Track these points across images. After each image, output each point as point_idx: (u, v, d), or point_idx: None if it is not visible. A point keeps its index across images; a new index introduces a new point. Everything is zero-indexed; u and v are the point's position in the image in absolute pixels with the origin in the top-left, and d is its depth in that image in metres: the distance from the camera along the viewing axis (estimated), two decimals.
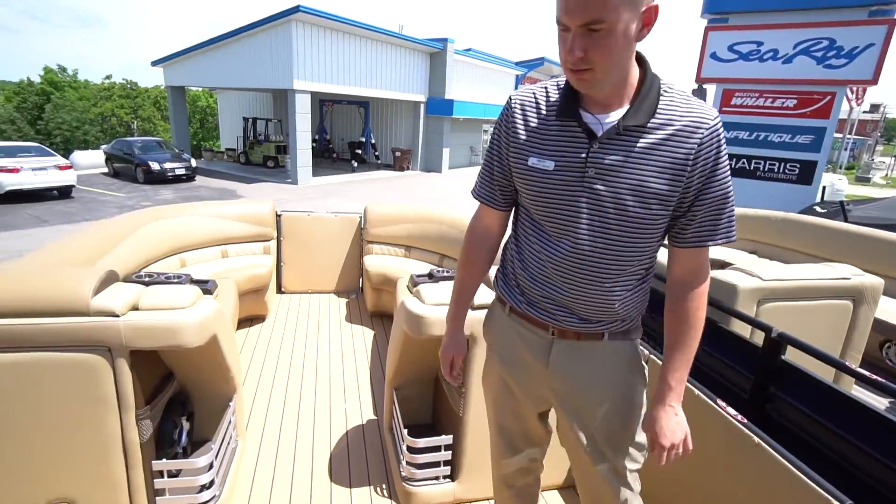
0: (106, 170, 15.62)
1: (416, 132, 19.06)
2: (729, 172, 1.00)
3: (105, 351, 1.46)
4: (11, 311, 1.39)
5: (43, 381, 1.44)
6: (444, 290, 1.80)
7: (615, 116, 0.98)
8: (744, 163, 8.13)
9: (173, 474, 1.74)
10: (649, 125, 0.96)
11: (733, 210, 1.04)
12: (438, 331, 1.68)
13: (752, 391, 1.79)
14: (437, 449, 1.89)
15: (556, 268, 1.09)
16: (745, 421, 1.33)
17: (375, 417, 2.53)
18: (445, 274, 2.95)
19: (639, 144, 0.97)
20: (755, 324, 1.88)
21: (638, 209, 0.99)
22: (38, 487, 1.55)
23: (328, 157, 19.98)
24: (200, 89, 31.51)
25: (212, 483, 1.77)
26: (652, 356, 1.57)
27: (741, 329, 2.08)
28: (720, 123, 0.98)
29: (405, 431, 1.90)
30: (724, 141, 0.99)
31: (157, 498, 1.69)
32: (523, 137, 1.09)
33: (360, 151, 18.43)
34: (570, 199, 1.03)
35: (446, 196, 12.97)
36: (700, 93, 8.16)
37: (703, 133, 0.95)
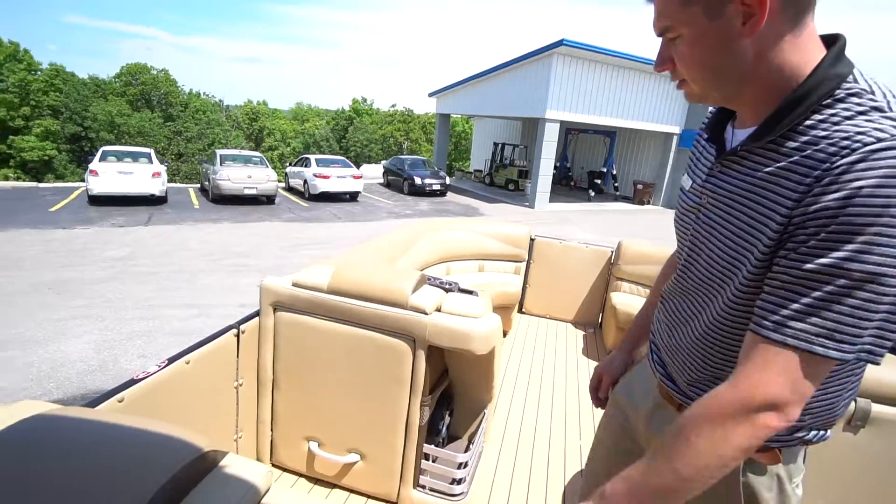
0: (381, 181, 18.98)
1: (663, 165, 17.74)
2: (871, 246, 0.56)
3: (411, 341, 1.73)
4: (358, 295, 1.76)
5: (367, 354, 1.78)
6: None
7: (744, 132, 0.75)
8: None
9: (434, 459, 1.96)
10: (776, 147, 0.68)
11: (853, 305, 0.58)
12: None
13: None
14: None
15: (660, 307, 0.96)
16: None
17: None
18: None
19: (753, 171, 0.71)
20: None
21: (722, 256, 0.75)
22: (343, 436, 1.92)
23: (566, 184, 20.21)
24: (459, 115, 35.76)
25: (462, 480, 1.92)
26: None
27: None
28: (884, 159, 0.56)
29: None
30: (878, 188, 0.56)
31: (420, 476, 1.92)
32: (690, 156, 0.94)
33: (598, 181, 18.10)
34: (684, 227, 0.88)
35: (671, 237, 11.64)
36: None
37: (828, 166, 0.60)
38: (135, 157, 11.84)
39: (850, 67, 0.66)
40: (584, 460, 2.37)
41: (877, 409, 1.37)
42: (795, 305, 0.62)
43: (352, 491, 1.99)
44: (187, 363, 1.52)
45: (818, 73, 0.65)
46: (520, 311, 4.19)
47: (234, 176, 11.94)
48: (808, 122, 0.65)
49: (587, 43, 13.88)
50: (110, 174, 10.71)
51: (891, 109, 0.61)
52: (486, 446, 2.34)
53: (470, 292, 2.72)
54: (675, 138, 17.26)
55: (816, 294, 0.60)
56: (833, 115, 0.64)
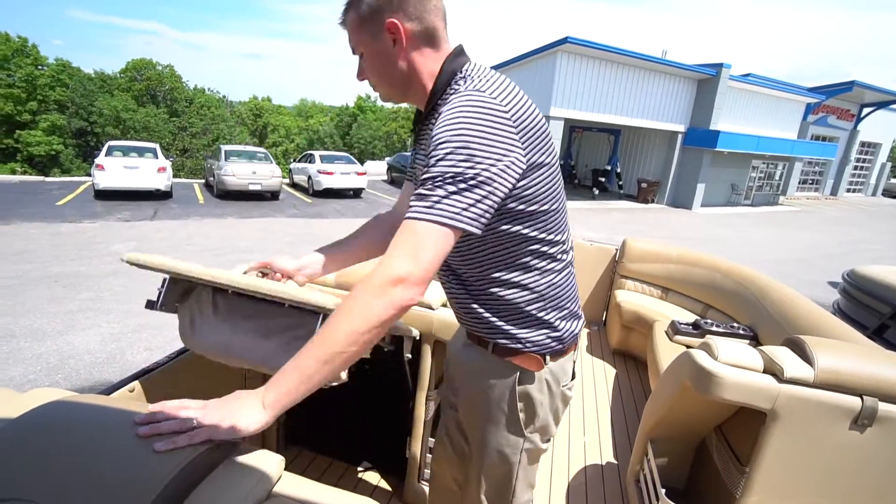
0: (385, 177, 18.99)
1: (668, 164, 17.69)
2: (444, 152, 0.82)
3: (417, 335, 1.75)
4: None
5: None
6: (740, 350, 1.59)
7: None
8: None
9: None
10: (431, 119, 0.99)
11: (438, 191, 0.81)
12: (731, 395, 1.49)
13: None
14: None
15: None
16: None
17: (615, 462, 2.40)
18: (717, 328, 2.63)
19: (424, 138, 1.02)
20: None
21: None
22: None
23: (570, 182, 20.18)
24: None
25: None
26: None
27: None
28: (452, 111, 0.85)
29: (663, 491, 1.74)
30: (448, 123, 0.83)
31: (425, 470, 1.94)
32: None
33: (603, 179, 18.07)
34: None
35: (695, 237, 11.63)
36: None
37: (438, 120, 0.87)
38: (140, 151, 11.89)
39: (459, 64, 0.97)
40: (589, 457, 2.39)
41: (884, 407, 1.37)
42: (420, 193, 0.82)
43: (358, 482, 2.01)
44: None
45: (444, 72, 0.96)
46: None
47: (239, 171, 11.98)
48: (440, 100, 0.96)
49: (592, 41, 13.84)
50: (116, 169, 10.76)
51: (473, 79, 0.92)
52: None
53: None
54: (679, 136, 17.21)
55: (426, 187, 0.82)
56: (450, 91, 0.94)
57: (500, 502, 1.19)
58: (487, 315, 1.07)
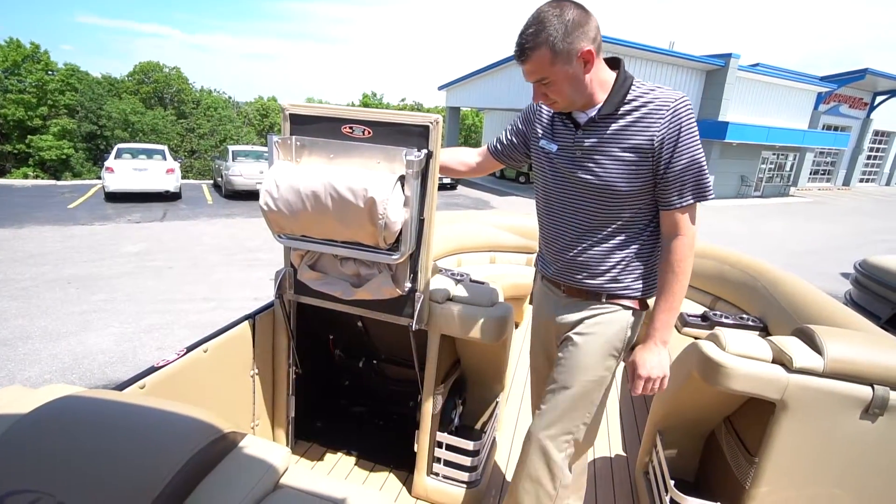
0: None
1: None
2: (694, 144, 1.20)
3: (423, 329, 1.75)
4: None
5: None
6: (749, 340, 1.58)
7: (593, 112, 1.25)
8: None
9: (447, 447, 1.98)
10: (615, 112, 1.23)
11: (701, 174, 1.21)
12: (739, 385, 1.48)
13: None
14: None
15: (558, 231, 1.39)
16: None
17: (624, 454, 2.40)
18: (726, 320, 2.61)
19: (611, 127, 1.24)
20: None
21: (611, 179, 1.24)
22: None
23: None
24: (469, 109, 35.62)
25: (475, 468, 1.94)
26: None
27: None
28: (681, 104, 1.18)
29: (672, 483, 1.74)
30: (685, 118, 1.18)
31: (433, 464, 1.95)
32: (542, 129, 1.43)
33: None
34: (554, 174, 1.37)
35: (704, 229, 11.52)
36: None
37: (664, 111, 1.18)
38: (149, 154, 12.00)
39: (631, 74, 1.26)
40: (597, 449, 2.38)
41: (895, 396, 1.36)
42: (684, 185, 1.22)
43: (367, 475, 2.02)
44: (205, 351, 1.56)
45: (622, 77, 1.24)
46: (531, 302, 4.19)
47: (247, 171, 12.05)
48: (629, 97, 1.22)
49: None
50: (126, 171, 10.88)
51: (661, 87, 1.23)
52: (498, 435, 2.36)
53: (481, 283, 2.73)
54: None
55: (687, 174, 1.21)
56: (643, 92, 1.22)
57: (597, 408, 1.43)
58: (619, 268, 1.33)
